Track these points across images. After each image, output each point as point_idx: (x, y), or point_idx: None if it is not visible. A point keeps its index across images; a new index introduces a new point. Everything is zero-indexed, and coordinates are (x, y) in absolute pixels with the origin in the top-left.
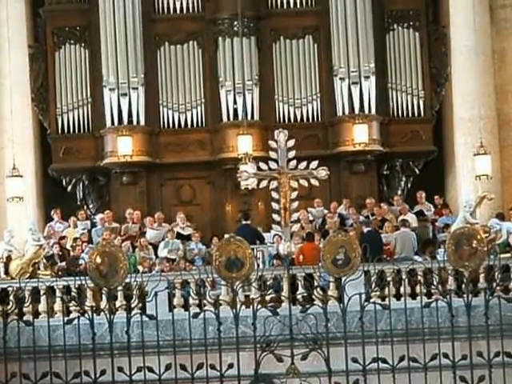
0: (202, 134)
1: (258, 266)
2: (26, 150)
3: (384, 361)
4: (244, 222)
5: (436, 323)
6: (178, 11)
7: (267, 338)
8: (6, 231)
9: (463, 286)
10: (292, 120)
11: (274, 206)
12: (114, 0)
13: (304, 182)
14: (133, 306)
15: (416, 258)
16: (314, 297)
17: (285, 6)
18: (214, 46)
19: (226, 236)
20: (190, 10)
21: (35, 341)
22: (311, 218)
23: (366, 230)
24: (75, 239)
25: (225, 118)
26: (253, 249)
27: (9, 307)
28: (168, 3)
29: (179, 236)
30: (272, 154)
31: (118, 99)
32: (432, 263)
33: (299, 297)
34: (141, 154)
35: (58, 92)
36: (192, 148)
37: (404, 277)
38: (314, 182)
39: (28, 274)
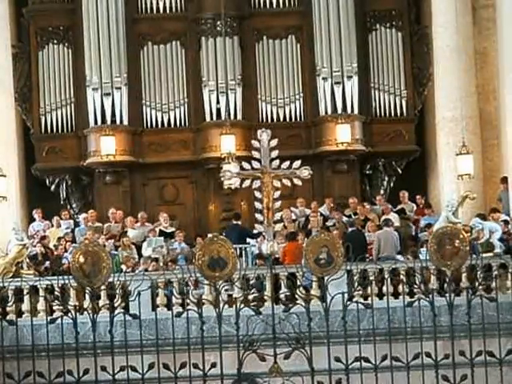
0: (185, 134)
1: (244, 264)
2: (9, 149)
3: (367, 360)
4: (234, 222)
5: (418, 322)
6: (161, 11)
7: (250, 337)
8: None
9: (445, 285)
10: (275, 120)
11: (257, 205)
12: (97, 0)
13: (287, 182)
14: (116, 305)
15: (398, 257)
16: (296, 296)
17: (268, 6)
18: (197, 45)
19: (210, 235)
20: (173, 10)
21: (18, 340)
22: (294, 218)
23: (350, 229)
24: (59, 239)
25: (208, 118)
26: (240, 248)
27: None
28: (151, 3)
29: (162, 234)
30: (255, 154)
31: (102, 99)
32: (414, 262)
33: (282, 296)
34: (124, 153)
35: (41, 92)
36: (175, 147)
37: (387, 276)
38: (296, 181)
39: (11, 274)
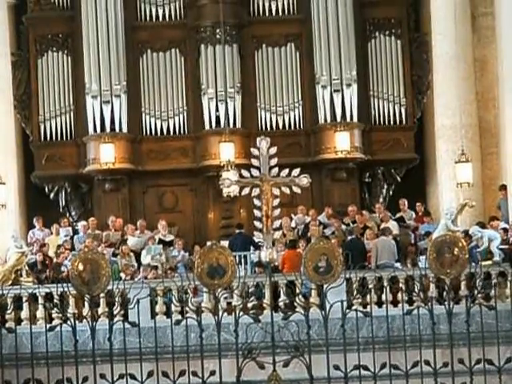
0: (185, 142)
1: (244, 272)
2: (8, 157)
3: (366, 368)
4: (238, 231)
5: (417, 330)
6: (161, 19)
7: (249, 345)
8: None
9: (444, 293)
10: (274, 127)
11: (256, 213)
12: (96, 7)
13: (286, 190)
14: (115, 313)
15: (397, 265)
16: (295, 304)
17: (267, 14)
18: (197, 53)
19: (209, 243)
20: (173, 18)
21: (17, 348)
22: (293, 225)
23: (349, 237)
24: (58, 246)
25: (207, 126)
26: (239, 256)
27: None
28: (150, 11)
29: (161, 242)
30: (254, 162)
31: (101, 106)
32: (413, 271)
33: (281, 304)
34: (123, 161)
35: (40, 99)
36: (174, 155)
37: (386, 284)
38: (295, 189)
39: (10, 281)
